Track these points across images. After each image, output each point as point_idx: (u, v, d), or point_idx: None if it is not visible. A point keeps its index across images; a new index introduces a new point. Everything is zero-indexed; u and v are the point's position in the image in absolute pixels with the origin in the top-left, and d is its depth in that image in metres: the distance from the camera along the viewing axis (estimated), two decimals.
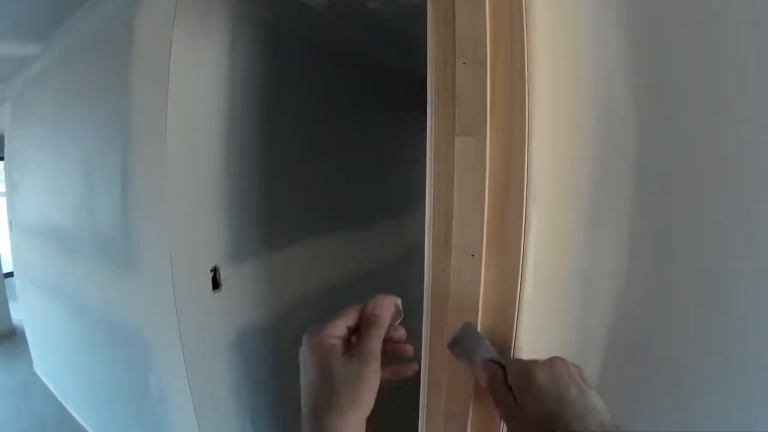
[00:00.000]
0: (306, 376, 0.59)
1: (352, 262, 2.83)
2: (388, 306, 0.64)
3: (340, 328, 0.61)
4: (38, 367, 3.75)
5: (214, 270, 1.82)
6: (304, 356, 0.60)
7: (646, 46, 0.72)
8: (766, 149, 0.64)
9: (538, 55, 0.68)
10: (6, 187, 3.67)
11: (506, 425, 0.63)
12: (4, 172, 3.80)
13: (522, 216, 0.65)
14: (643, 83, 0.72)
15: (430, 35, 0.70)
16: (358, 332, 0.63)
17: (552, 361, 0.62)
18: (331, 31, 2.50)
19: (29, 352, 3.84)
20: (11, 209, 3.60)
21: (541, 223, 0.69)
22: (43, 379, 3.63)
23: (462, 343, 0.68)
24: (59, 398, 3.33)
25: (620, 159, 0.72)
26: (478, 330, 0.69)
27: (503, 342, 0.68)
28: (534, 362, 0.62)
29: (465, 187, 0.67)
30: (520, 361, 0.64)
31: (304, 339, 0.61)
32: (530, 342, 0.70)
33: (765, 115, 0.64)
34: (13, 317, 4.92)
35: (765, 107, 0.64)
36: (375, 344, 0.60)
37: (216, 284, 1.83)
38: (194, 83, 1.70)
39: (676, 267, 0.70)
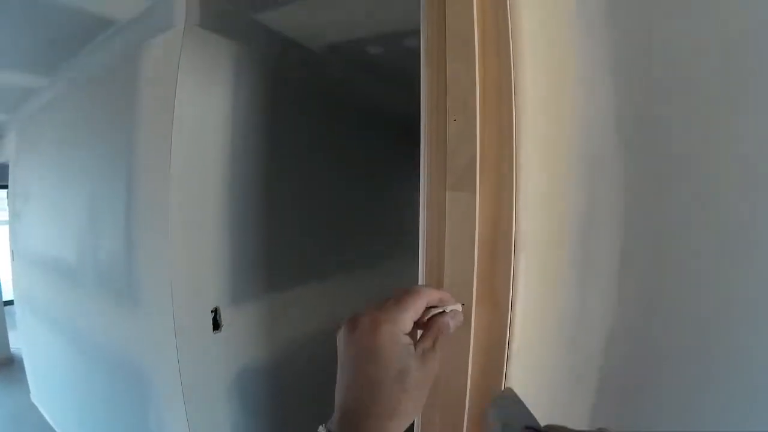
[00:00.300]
0: (363, 371, 0.51)
1: (354, 304, 2.85)
2: (459, 325, 0.61)
3: (408, 322, 0.54)
4: (35, 397, 3.73)
5: (215, 311, 1.84)
6: (363, 347, 0.52)
7: (632, 97, 0.75)
8: (750, 189, 0.66)
9: (526, 110, 0.71)
10: (9, 215, 3.71)
11: None
12: (7, 201, 3.84)
13: (510, 266, 0.67)
14: (629, 134, 0.75)
15: (423, 91, 0.73)
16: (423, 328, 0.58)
17: None
18: (331, 74, 2.56)
19: (27, 381, 3.82)
20: (13, 238, 3.62)
21: (530, 271, 0.71)
22: (40, 409, 3.61)
23: (500, 408, 0.64)
24: (56, 429, 3.31)
25: (607, 205, 0.75)
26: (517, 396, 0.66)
27: (493, 387, 0.69)
28: None
29: (456, 238, 0.69)
30: (565, 429, 0.57)
31: (361, 323, 0.53)
32: (520, 387, 0.71)
33: (747, 158, 0.67)
34: (11, 345, 4.91)
35: (746, 147, 0.67)
36: (441, 349, 0.56)
37: (216, 325, 1.85)
38: (198, 123, 1.75)
39: (665, 305, 0.72)
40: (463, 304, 0.65)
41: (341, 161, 2.75)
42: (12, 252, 3.67)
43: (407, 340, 0.53)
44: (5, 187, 4.25)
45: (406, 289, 0.57)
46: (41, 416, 3.54)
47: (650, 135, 0.74)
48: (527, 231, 0.70)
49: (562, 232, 0.77)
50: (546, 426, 0.59)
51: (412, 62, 2.43)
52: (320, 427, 0.50)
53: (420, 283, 0.74)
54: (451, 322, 0.58)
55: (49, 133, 2.87)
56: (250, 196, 2.02)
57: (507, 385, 0.69)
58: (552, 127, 0.77)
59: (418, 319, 0.57)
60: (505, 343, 0.68)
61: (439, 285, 0.71)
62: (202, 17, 1.87)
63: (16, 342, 4.50)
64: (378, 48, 2.37)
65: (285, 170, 2.24)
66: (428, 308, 0.58)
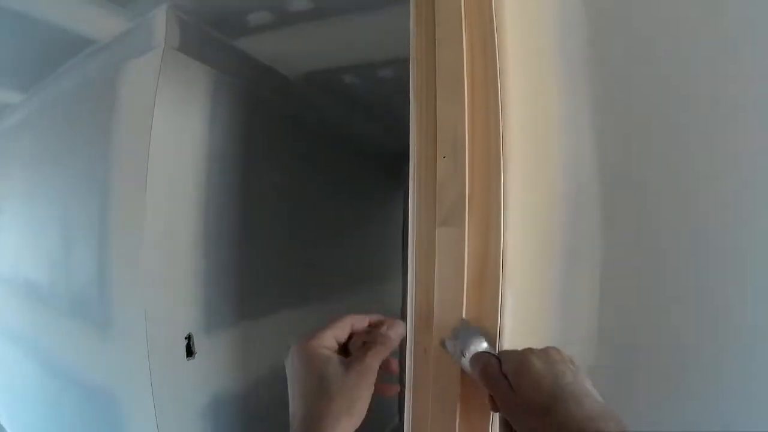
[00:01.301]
0: (298, 385, 0.59)
1: None
2: (401, 333, 0.66)
3: (329, 339, 0.62)
4: (3, 419, 3.59)
5: (189, 338, 1.82)
6: (295, 365, 0.60)
7: (613, 138, 0.78)
8: (728, 230, 0.69)
9: (514, 149, 0.73)
10: None
11: (502, 413, 0.62)
12: None
13: (498, 303, 0.68)
14: (610, 174, 0.78)
15: (412, 130, 0.75)
16: (351, 342, 0.64)
17: (546, 350, 0.62)
18: (307, 102, 2.58)
19: None
20: None
21: (518, 305, 0.73)
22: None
23: (456, 339, 0.69)
24: None
25: (589, 241, 0.77)
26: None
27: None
28: (529, 350, 0.62)
29: (444, 274, 0.70)
30: (515, 350, 0.64)
31: (293, 348, 0.61)
32: None
33: (724, 194, 0.70)
34: None
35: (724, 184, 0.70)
36: (377, 362, 0.61)
37: (190, 352, 1.83)
38: (174, 147, 1.74)
39: (644, 341, 0.74)
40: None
41: (317, 188, 2.75)
42: None
43: (328, 353, 0.61)
44: None
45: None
46: None
47: (629, 174, 0.77)
48: (514, 267, 0.72)
49: (547, 268, 0.79)
50: (501, 352, 0.66)
51: (387, 92, 2.48)
52: None
53: (409, 319, 0.75)
54: (389, 332, 0.65)
55: (22, 149, 2.79)
56: (225, 222, 2.01)
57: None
58: (538, 165, 0.79)
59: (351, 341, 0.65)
60: None
61: (428, 321, 0.72)
62: (181, 41, 1.86)
63: None
64: (353, 78, 2.39)
65: (260, 198, 2.24)
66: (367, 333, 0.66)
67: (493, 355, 0.65)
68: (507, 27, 0.80)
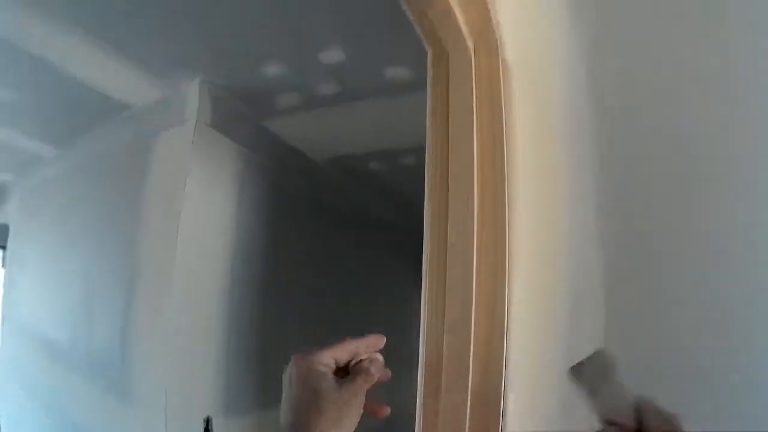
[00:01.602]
0: (293, 396, 0.61)
1: None
2: (382, 369, 0.67)
3: (327, 358, 0.64)
4: None
5: (207, 421, 1.81)
6: (291, 376, 0.62)
7: (618, 246, 0.81)
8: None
9: (519, 256, 0.76)
10: (4, 278, 3.66)
11: None
12: (2, 263, 3.80)
13: (499, 410, 0.70)
14: (612, 276, 0.80)
15: (426, 239, 0.79)
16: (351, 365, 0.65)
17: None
18: (333, 185, 2.66)
19: None
20: (6, 302, 3.54)
21: (518, 401, 0.74)
22: None
23: (587, 372, 0.64)
24: None
25: (590, 346, 0.79)
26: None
27: None
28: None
29: (450, 380, 0.73)
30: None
31: (293, 361, 0.63)
32: None
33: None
34: None
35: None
36: (364, 388, 0.63)
37: None
38: (203, 222, 1.79)
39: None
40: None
41: (338, 269, 2.78)
42: (2, 317, 3.58)
43: (325, 369, 0.62)
44: (2, 247, 4.20)
45: None
46: None
47: (632, 278, 0.79)
48: (516, 374, 0.73)
49: (547, 375, 0.80)
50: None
51: (408, 179, 2.54)
52: None
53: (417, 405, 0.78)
54: (371, 367, 0.65)
55: (52, 204, 2.88)
56: (249, 305, 2.05)
57: None
58: (542, 272, 0.82)
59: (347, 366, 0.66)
60: None
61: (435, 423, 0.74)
62: (213, 117, 1.96)
63: None
64: (378, 164, 2.48)
65: (283, 277, 2.27)
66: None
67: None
68: (518, 131, 0.86)
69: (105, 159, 2.37)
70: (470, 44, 0.85)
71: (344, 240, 2.86)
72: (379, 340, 0.69)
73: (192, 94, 1.95)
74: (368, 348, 0.68)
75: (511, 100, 0.86)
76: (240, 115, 2.10)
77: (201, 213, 1.78)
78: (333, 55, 1.82)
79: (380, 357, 0.69)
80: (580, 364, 0.63)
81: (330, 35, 1.76)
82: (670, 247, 0.69)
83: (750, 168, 0.79)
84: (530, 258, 0.81)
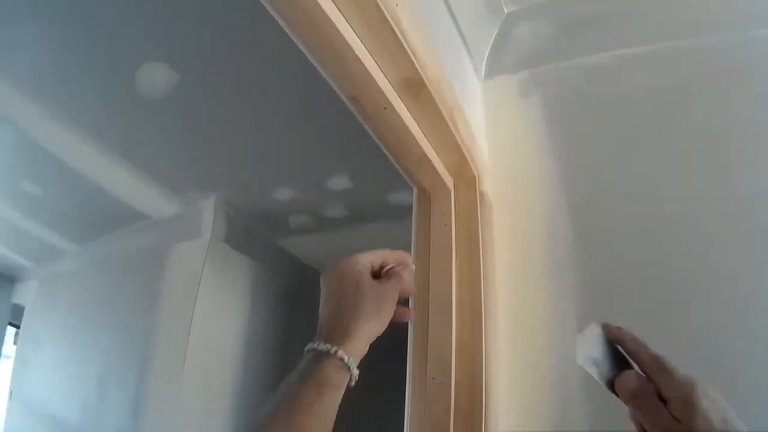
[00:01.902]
0: (334, 290, 0.65)
1: None
2: (412, 277, 0.73)
3: (365, 261, 0.68)
4: None
5: None
6: (334, 275, 0.67)
7: None
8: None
9: (497, 371, 0.83)
10: (16, 358, 3.67)
11: None
12: (14, 340, 3.83)
13: None
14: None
15: (409, 352, 0.87)
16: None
17: (707, 383, 0.57)
18: None
19: None
20: (16, 380, 3.52)
21: None
22: None
23: (585, 347, 0.64)
24: None
25: None
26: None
27: None
28: (692, 382, 0.56)
29: None
30: (673, 375, 0.58)
31: (334, 263, 0.68)
32: None
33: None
34: None
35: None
36: (396, 290, 0.68)
37: None
38: (213, 336, 1.87)
39: None
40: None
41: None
42: (11, 392, 3.55)
43: (364, 268, 0.67)
44: (16, 326, 4.22)
45: None
46: None
47: None
48: None
49: None
50: (657, 376, 0.59)
51: None
52: (306, 347, 0.60)
53: None
54: (403, 272, 0.71)
55: (69, 293, 2.97)
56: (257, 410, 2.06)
57: None
58: (521, 388, 0.88)
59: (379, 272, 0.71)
60: None
61: None
62: (227, 233, 2.09)
63: None
64: None
65: None
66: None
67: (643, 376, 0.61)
68: (497, 256, 0.95)
69: (122, 261, 2.48)
70: (449, 181, 0.97)
71: None
72: (407, 257, 0.76)
73: (208, 211, 2.09)
74: (397, 259, 0.73)
75: (489, 229, 0.97)
76: (253, 232, 2.23)
77: (212, 321, 1.86)
78: (340, 182, 1.98)
79: (412, 267, 0.76)
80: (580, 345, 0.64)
81: (337, 164, 1.92)
82: None
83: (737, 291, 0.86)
84: (511, 371, 0.88)
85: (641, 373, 0.61)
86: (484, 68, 1.26)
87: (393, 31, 0.68)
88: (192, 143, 1.84)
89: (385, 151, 0.90)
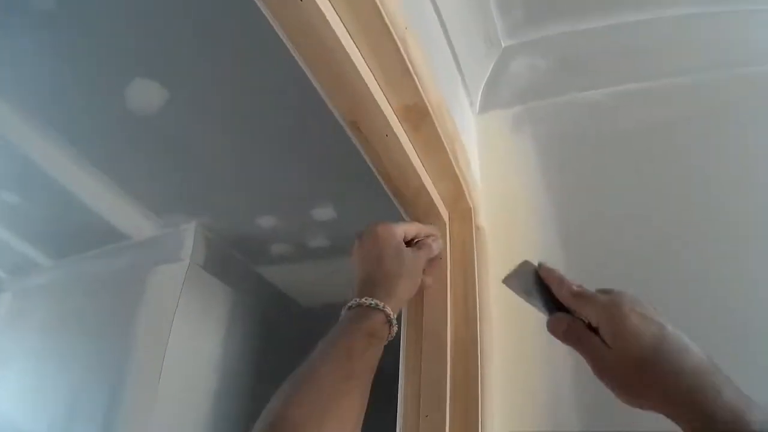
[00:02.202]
0: (374, 250, 0.70)
1: None
2: (440, 247, 0.82)
3: (400, 230, 0.74)
4: None
5: None
6: (375, 235, 0.71)
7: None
8: None
9: (492, 413, 0.80)
10: None
11: (595, 372, 0.56)
12: None
13: None
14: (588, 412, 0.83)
15: (400, 388, 0.82)
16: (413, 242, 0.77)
17: (633, 298, 0.56)
18: (321, 331, 2.68)
19: None
20: None
21: None
22: None
23: (518, 279, 0.67)
24: None
25: None
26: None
27: None
28: (617, 301, 0.56)
29: None
30: (596, 302, 0.57)
31: (374, 224, 0.73)
32: None
33: None
34: None
35: None
36: (425, 258, 0.75)
37: None
38: (189, 361, 1.82)
39: None
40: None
41: None
42: None
43: (396, 233, 0.73)
44: None
45: None
46: None
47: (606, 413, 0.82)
48: None
49: None
50: (584, 309, 0.59)
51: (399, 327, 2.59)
52: (343, 309, 0.65)
53: None
54: (433, 243, 0.79)
55: (43, 309, 2.84)
56: None
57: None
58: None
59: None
60: None
61: None
62: (206, 259, 2.04)
63: None
64: None
65: None
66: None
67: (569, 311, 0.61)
68: (491, 290, 0.92)
69: (98, 280, 2.40)
70: (445, 214, 0.95)
71: None
72: (436, 229, 0.83)
73: (188, 235, 2.04)
74: (427, 232, 0.80)
75: (484, 264, 0.94)
76: (233, 259, 2.18)
77: (187, 347, 1.80)
78: (325, 213, 1.94)
79: (440, 239, 0.83)
80: (509, 276, 0.67)
81: (322, 194, 1.89)
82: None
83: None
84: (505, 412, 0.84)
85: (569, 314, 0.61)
86: (479, 102, 1.25)
87: (401, 54, 0.66)
88: (177, 165, 1.80)
89: (380, 180, 0.87)
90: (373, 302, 0.63)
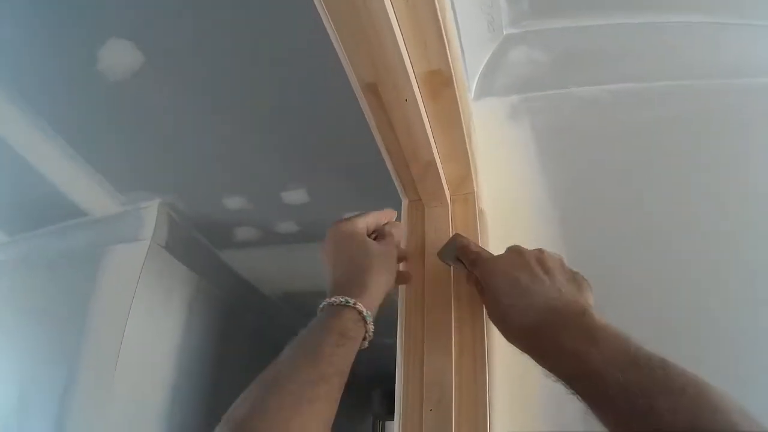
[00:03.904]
0: (342, 251, 0.68)
1: None
2: (402, 232, 0.81)
3: (362, 224, 0.72)
4: None
5: None
6: (338, 236, 0.69)
7: None
8: None
9: (498, 405, 0.74)
10: None
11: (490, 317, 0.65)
12: None
13: None
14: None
15: (399, 381, 0.75)
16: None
17: (507, 252, 0.66)
18: (281, 321, 2.59)
19: None
20: None
21: None
22: None
23: (447, 251, 0.77)
24: None
25: None
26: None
27: None
28: (491, 258, 0.67)
29: None
30: (483, 261, 0.67)
31: (336, 225, 0.71)
32: None
33: None
34: None
35: None
36: (394, 246, 0.73)
37: None
38: (147, 345, 1.71)
39: None
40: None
41: None
42: None
43: (359, 228, 0.71)
44: None
45: None
46: None
47: None
48: None
49: None
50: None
51: None
52: (321, 303, 0.62)
53: None
54: (393, 230, 0.76)
55: None
56: (189, 429, 1.88)
57: None
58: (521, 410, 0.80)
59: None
60: None
61: None
62: (168, 239, 1.91)
63: None
64: None
65: (225, 404, 2.13)
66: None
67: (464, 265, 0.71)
68: None
69: (54, 258, 2.23)
70: (447, 195, 0.89)
71: None
72: (392, 213, 0.80)
73: (150, 215, 1.91)
74: (387, 217, 0.78)
75: (486, 248, 0.89)
76: (196, 241, 2.07)
77: (146, 333, 1.69)
78: (297, 196, 1.85)
79: (401, 224, 0.82)
80: (440, 251, 0.78)
81: (295, 176, 1.80)
82: None
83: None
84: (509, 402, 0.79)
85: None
86: (474, 88, 1.20)
87: (436, 14, 0.60)
88: (144, 137, 1.68)
89: (386, 154, 0.80)
90: (342, 299, 0.59)
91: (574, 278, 0.61)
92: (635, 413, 0.43)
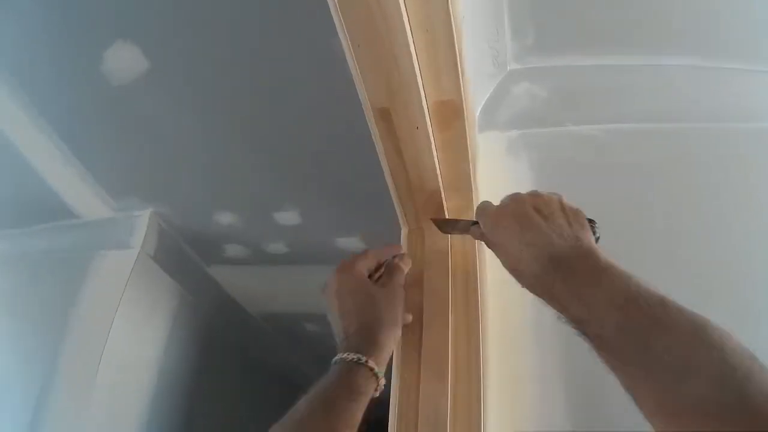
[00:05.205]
0: (349, 301, 0.66)
1: None
2: (409, 263, 0.79)
3: (363, 267, 0.71)
4: None
5: None
6: (342, 285, 0.68)
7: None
8: None
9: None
10: None
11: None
12: None
13: None
14: None
15: (392, 407, 0.74)
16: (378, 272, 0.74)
17: (506, 201, 0.66)
18: (264, 341, 2.55)
19: None
20: None
21: None
22: None
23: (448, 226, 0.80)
24: None
25: None
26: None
27: None
28: (491, 213, 0.66)
29: None
30: (485, 213, 0.67)
31: (337, 273, 0.69)
32: None
33: None
34: None
35: None
36: (400, 283, 0.73)
37: None
38: (129, 355, 1.67)
39: None
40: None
41: (263, 423, 2.60)
42: None
43: (362, 276, 0.70)
44: None
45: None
46: None
47: None
48: None
49: None
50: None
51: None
52: (335, 358, 0.61)
53: None
54: (400, 262, 0.76)
55: None
56: None
57: None
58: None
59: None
60: None
61: None
62: (157, 250, 1.88)
63: None
64: (314, 326, 2.41)
65: (205, 420, 2.08)
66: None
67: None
68: (489, 311, 0.87)
69: (39, 259, 2.14)
70: None
71: (270, 394, 2.68)
72: (396, 248, 0.79)
73: (141, 223, 1.88)
74: (389, 254, 0.77)
75: (485, 280, 0.89)
76: (184, 254, 2.04)
77: (129, 342, 1.65)
78: (289, 217, 1.84)
79: (406, 254, 0.80)
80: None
81: (289, 197, 1.78)
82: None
83: None
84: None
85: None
86: (476, 121, 1.21)
87: (453, 46, 0.60)
88: (143, 145, 1.65)
89: (390, 181, 0.80)
90: (355, 356, 0.60)
91: (576, 217, 0.61)
92: (631, 351, 0.43)
